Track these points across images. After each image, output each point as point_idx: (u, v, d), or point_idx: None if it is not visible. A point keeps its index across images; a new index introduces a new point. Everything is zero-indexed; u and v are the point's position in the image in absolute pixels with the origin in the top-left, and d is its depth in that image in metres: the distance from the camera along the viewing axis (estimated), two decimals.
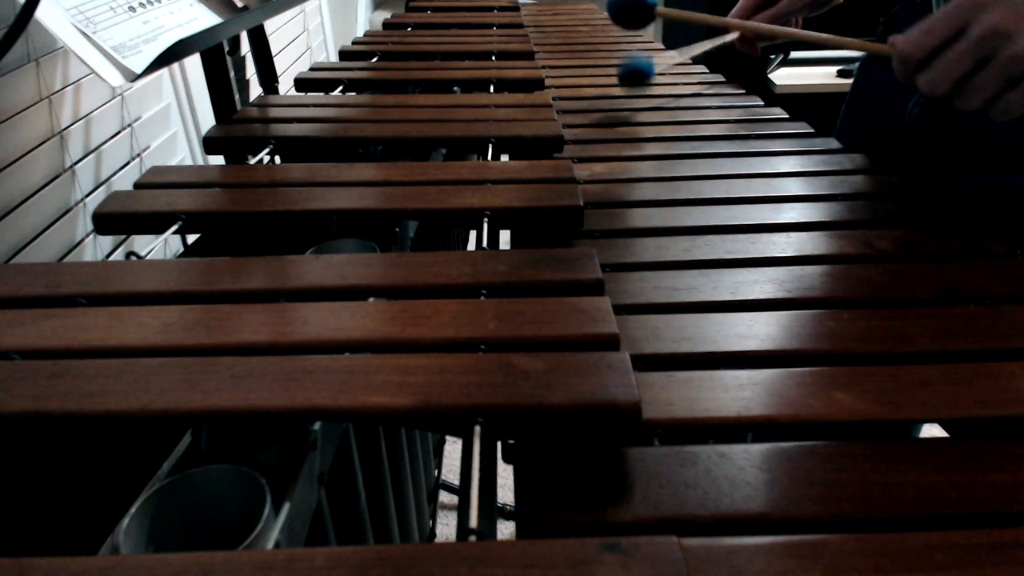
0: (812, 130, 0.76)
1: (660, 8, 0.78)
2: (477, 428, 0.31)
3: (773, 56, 2.18)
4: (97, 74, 0.54)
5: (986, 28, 0.47)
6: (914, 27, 0.51)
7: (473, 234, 0.54)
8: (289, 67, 1.77)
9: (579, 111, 0.83)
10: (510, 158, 0.67)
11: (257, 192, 0.55)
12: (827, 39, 0.64)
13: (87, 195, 0.94)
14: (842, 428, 0.35)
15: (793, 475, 0.31)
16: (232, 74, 0.78)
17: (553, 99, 0.84)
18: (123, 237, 1.01)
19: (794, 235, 0.53)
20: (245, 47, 0.84)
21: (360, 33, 2.02)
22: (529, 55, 1.05)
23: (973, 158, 0.63)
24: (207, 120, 1.28)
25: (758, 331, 0.41)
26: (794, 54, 2.20)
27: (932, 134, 0.66)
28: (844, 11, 0.80)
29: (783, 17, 0.74)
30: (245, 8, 0.76)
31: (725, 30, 0.76)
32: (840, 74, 2.17)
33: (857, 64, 0.81)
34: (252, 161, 0.64)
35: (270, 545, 0.29)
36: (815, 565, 0.26)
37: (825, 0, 0.76)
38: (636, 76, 0.87)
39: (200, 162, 1.28)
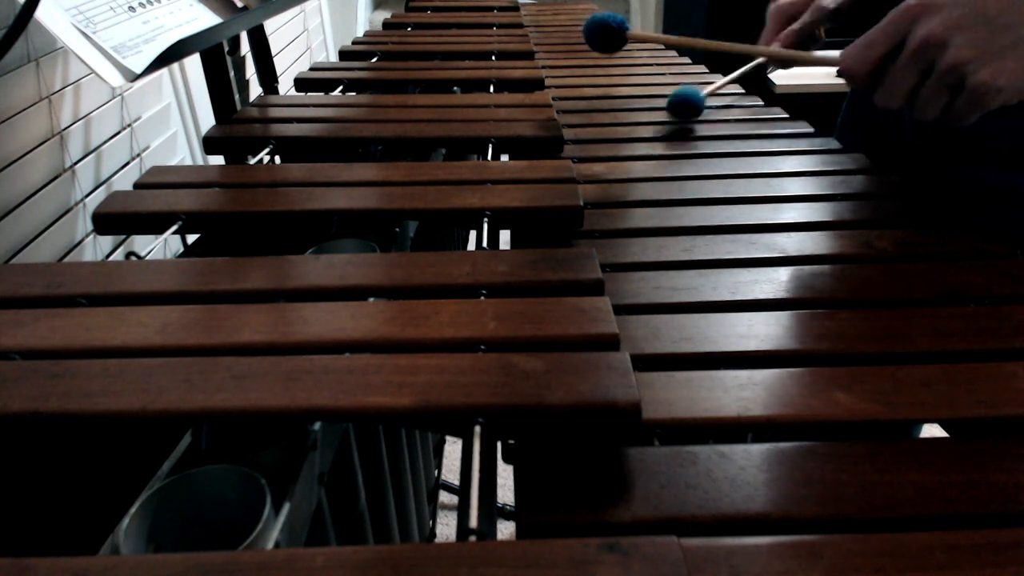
0: (812, 130, 0.76)
1: (631, 32, 0.75)
2: (477, 428, 0.31)
3: None
4: (97, 74, 0.54)
5: (920, 40, 0.46)
6: (857, 41, 0.50)
7: (473, 234, 0.54)
8: (289, 67, 1.77)
9: (579, 111, 0.83)
10: (510, 158, 0.67)
11: (257, 192, 0.55)
12: (793, 56, 0.64)
13: (87, 195, 0.95)
14: (842, 428, 0.35)
15: (793, 475, 0.31)
16: (232, 74, 0.78)
17: (553, 99, 0.84)
18: (123, 237, 1.01)
19: (794, 235, 0.53)
20: (245, 47, 0.84)
21: (360, 33, 2.02)
22: (529, 55, 1.05)
23: (972, 158, 0.63)
24: (207, 120, 1.28)
25: (758, 331, 0.41)
26: None
27: (931, 134, 0.66)
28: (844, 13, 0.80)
29: (808, 30, 0.72)
30: (245, 8, 0.76)
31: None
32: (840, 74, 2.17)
33: None
34: (252, 161, 0.64)
35: (270, 545, 0.29)
36: (815, 565, 0.26)
37: (842, 12, 0.75)
38: (685, 107, 0.79)
39: (200, 162, 1.28)
